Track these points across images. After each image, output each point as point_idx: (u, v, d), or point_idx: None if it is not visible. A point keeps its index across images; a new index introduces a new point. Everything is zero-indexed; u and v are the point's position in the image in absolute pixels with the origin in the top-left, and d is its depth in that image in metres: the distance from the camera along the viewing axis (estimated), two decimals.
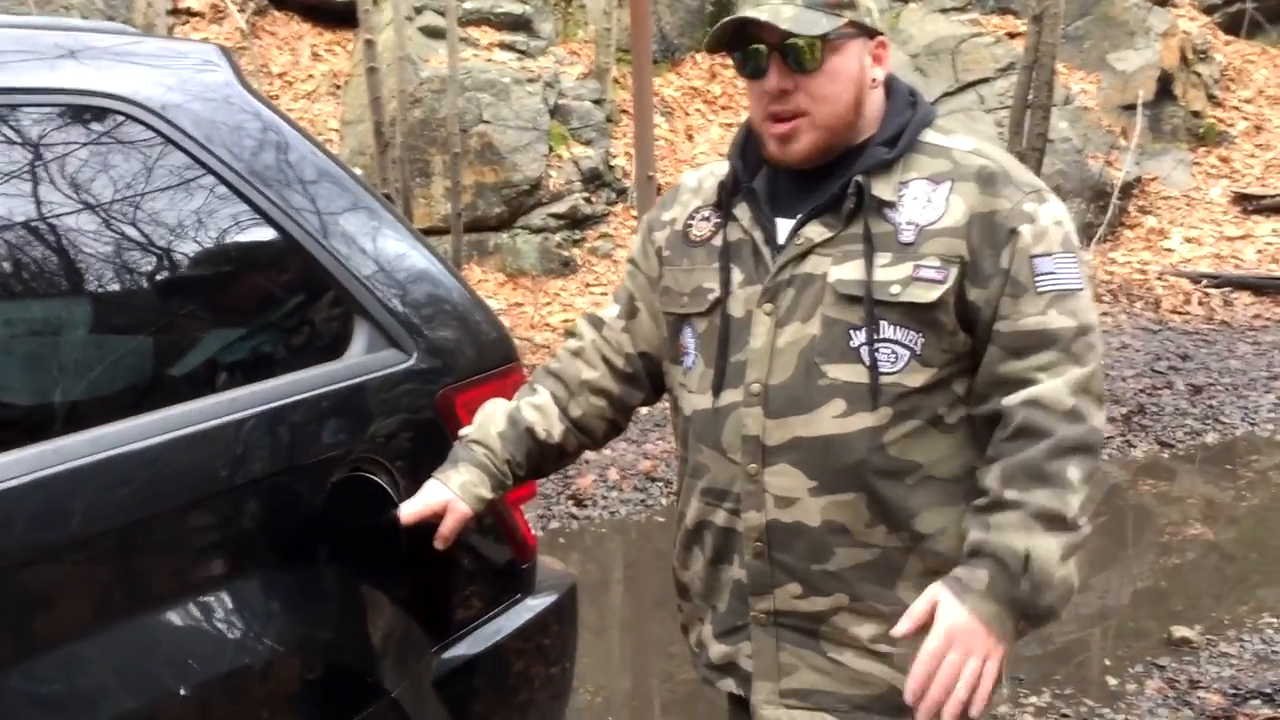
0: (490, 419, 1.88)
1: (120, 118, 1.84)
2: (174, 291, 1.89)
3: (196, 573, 1.69)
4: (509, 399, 1.94)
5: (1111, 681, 3.91)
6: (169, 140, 1.87)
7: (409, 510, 1.80)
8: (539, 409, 1.89)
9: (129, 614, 1.60)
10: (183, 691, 1.59)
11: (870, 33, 1.68)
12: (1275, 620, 4.38)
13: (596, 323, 1.94)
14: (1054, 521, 1.58)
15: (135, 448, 1.62)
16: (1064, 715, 3.65)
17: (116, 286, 1.82)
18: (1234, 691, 3.76)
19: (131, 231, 1.82)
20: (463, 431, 1.90)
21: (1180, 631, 4.24)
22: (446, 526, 1.80)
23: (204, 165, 1.89)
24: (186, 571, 1.68)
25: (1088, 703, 3.74)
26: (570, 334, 1.97)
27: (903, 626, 1.59)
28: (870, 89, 1.69)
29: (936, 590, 1.59)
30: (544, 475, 1.99)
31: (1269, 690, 3.73)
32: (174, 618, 1.64)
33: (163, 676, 1.59)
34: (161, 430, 1.66)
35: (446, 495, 1.81)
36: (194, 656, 1.63)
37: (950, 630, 1.56)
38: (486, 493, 1.83)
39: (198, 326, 1.89)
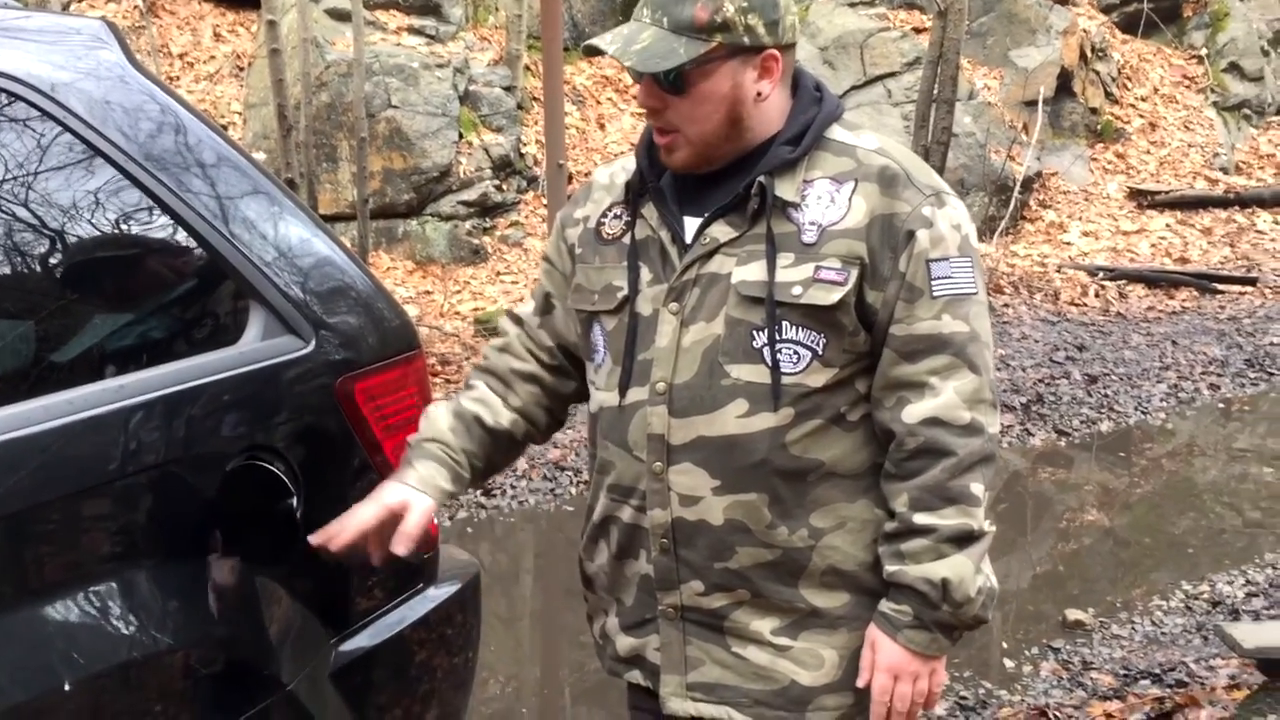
0: (435, 419, 1.85)
1: (7, 97, 1.78)
2: (64, 276, 1.83)
3: (84, 564, 1.64)
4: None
5: (1009, 664, 4.01)
6: (57, 121, 1.81)
7: (366, 514, 1.73)
8: (480, 400, 1.87)
9: (12, 606, 1.55)
10: (68, 686, 1.54)
11: (755, 49, 1.62)
12: (1164, 603, 4.53)
13: (517, 320, 1.93)
14: (964, 540, 1.64)
15: (20, 434, 1.57)
16: (963, 698, 3.73)
17: (5, 270, 1.76)
18: (1124, 672, 3.88)
19: (20, 213, 1.76)
20: (410, 438, 1.85)
21: (1074, 615, 4.36)
22: (411, 522, 1.72)
23: (94, 148, 1.83)
24: (74, 562, 1.64)
25: (986, 685, 3.83)
26: (491, 331, 1.96)
27: (863, 680, 1.68)
28: (756, 103, 1.65)
29: (872, 632, 1.68)
30: (496, 470, 1.95)
31: (1157, 670, 3.85)
32: (60, 610, 1.59)
33: (48, 670, 1.55)
34: (48, 417, 1.61)
35: (404, 493, 1.75)
36: (81, 650, 1.59)
37: (891, 668, 1.66)
38: (446, 484, 1.78)
39: (87, 311, 1.83)
